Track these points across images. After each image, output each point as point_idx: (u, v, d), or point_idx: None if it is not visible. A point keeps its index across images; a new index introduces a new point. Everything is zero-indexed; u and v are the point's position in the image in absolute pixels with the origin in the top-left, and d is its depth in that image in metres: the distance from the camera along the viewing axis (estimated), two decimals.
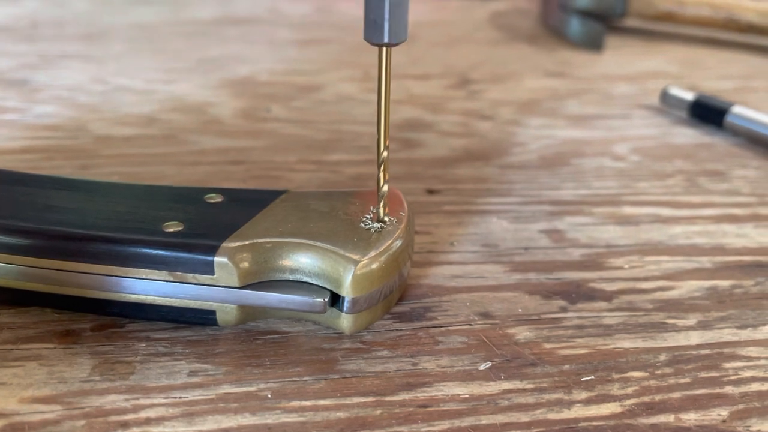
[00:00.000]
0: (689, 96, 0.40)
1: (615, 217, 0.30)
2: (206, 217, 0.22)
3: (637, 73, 0.48)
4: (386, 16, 0.19)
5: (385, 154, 0.22)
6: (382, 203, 0.22)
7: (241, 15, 0.59)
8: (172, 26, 0.55)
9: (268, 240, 0.21)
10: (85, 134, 0.35)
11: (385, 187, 0.22)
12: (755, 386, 0.21)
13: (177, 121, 0.37)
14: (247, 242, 0.21)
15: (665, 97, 0.41)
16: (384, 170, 0.22)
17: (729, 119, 0.38)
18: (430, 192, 0.31)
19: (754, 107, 0.38)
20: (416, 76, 0.46)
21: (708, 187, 0.33)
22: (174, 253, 0.20)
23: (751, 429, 0.19)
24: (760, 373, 0.21)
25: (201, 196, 0.23)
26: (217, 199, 0.23)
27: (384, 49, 0.20)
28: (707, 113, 0.39)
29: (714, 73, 0.49)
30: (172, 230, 0.21)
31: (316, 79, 0.44)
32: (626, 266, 0.26)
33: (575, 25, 0.55)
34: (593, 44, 0.54)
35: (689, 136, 0.38)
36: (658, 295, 0.25)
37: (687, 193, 0.32)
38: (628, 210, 0.30)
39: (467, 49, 0.53)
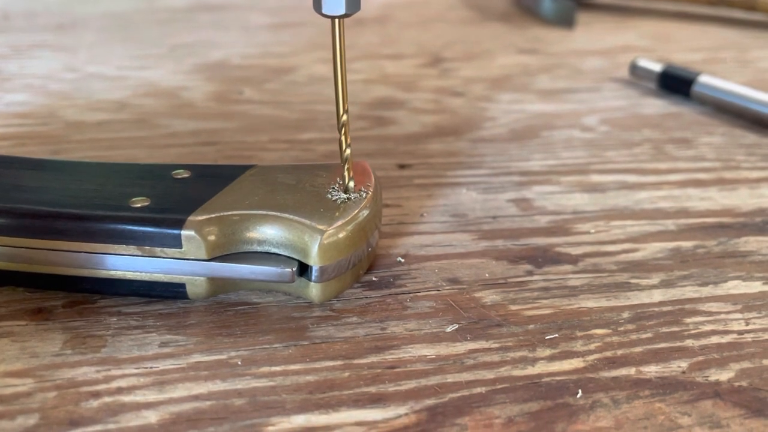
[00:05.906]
0: (657, 67, 0.41)
1: (582, 185, 0.30)
2: (173, 192, 0.22)
3: (608, 48, 0.49)
4: None
5: (344, 117, 0.22)
6: (346, 167, 0.23)
7: (214, 1, 0.59)
8: (144, 14, 0.55)
9: (234, 212, 0.21)
10: (57, 120, 0.35)
11: (348, 151, 0.23)
12: (714, 339, 0.21)
13: (149, 105, 0.37)
14: (213, 215, 0.21)
15: (634, 69, 0.42)
16: (345, 134, 0.23)
17: (696, 89, 0.39)
18: (402, 167, 0.31)
19: (721, 77, 0.39)
20: (389, 56, 0.46)
21: (674, 154, 0.33)
22: (141, 228, 0.21)
23: (709, 379, 0.20)
24: (720, 327, 0.22)
25: (168, 172, 0.23)
26: (185, 174, 0.23)
27: (337, 20, 0.21)
28: (675, 84, 0.40)
29: (684, 45, 0.50)
30: (138, 205, 0.21)
31: (289, 62, 0.45)
32: (592, 231, 0.27)
33: (547, 3, 0.55)
34: (565, 21, 0.54)
35: (657, 106, 0.39)
36: (623, 257, 0.25)
37: (653, 160, 0.32)
38: (596, 178, 0.31)
39: (440, 28, 0.53)
